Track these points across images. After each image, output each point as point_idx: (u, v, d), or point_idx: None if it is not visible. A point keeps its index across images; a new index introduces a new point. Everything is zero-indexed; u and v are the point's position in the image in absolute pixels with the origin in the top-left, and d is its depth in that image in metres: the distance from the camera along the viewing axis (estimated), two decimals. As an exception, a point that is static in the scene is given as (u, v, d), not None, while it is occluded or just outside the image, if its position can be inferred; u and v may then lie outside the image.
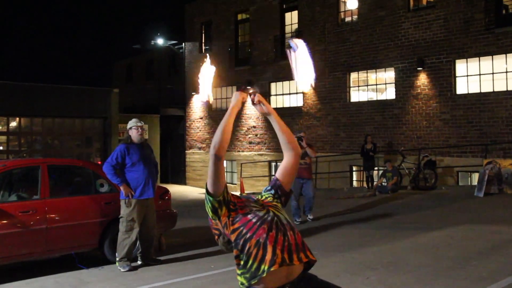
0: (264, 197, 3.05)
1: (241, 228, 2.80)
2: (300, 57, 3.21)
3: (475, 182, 14.05)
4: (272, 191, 3.06)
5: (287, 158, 3.10)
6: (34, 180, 6.94)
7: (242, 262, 2.78)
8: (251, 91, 3.09)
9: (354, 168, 18.49)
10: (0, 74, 19.24)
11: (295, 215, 10.02)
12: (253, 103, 3.08)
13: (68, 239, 6.90)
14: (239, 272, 2.82)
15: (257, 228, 2.77)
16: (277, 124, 3.08)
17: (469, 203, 11.49)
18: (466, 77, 15.56)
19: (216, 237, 3.02)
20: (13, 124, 20.80)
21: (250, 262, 2.74)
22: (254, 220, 2.80)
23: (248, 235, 2.77)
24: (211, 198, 2.84)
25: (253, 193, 3.04)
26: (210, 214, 2.89)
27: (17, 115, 20.46)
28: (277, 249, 2.72)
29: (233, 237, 2.83)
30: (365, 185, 16.13)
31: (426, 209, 10.99)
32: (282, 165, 3.14)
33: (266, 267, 2.69)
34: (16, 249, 6.49)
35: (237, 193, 3.08)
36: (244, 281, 2.77)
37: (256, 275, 2.72)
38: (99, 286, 5.98)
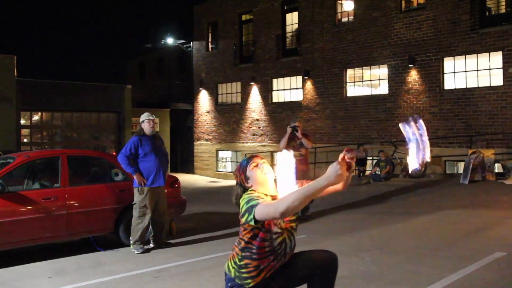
0: None
1: (254, 248, 2.98)
2: None
3: (461, 170, 14.06)
4: None
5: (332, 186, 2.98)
6: (55, 169, 6.97)
7: (238, 262, 3.02)
8: (348, 156, 2.59)
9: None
10: (22, 72, 19.34)
11: None
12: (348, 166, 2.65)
13: (86, 224, 6.95)
14: (232, 263, 3.06)
15: (265, 257, 2.98)
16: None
17: (456, 189, 11.51)
18: (453, 73, 15.52)
19: (237, 178, 3.14)
20: (36, 118, 20.86)
21: (244, 271, 2.99)
22: (267, 249, 2.98)
23: (254, 257, 2.98)
24: (252, 222, 2.83)
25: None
26: (241, 213, 2.93)
27: (39, 110, 20.51)
28: (267, 274, 3.00)
29: (243, 244, 3.01)
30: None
31: (416, 196, 11.02)
32: None
33: (251, 284, 2.98)
34: (40, 233, 6.55)
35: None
36: (232, 271, 3.05)
37: (242, 282, 3.00)
38: (115, 266, 6.03)
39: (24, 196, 6.48)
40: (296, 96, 20.59)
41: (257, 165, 3.04)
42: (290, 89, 20.93)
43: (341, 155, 2.60)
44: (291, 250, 3.06)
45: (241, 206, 2.95)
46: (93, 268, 5.97)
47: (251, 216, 2.81)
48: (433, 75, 15.82)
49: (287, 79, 21.00)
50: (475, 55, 14.86)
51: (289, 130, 8.50)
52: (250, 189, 3.05)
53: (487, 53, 14.63)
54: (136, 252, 6.71)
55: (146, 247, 6.87)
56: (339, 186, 3.04)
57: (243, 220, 2.91)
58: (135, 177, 6.75)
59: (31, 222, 6.42)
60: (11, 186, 6.61)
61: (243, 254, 3.00)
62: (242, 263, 3.00)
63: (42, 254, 6.76)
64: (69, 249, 7.05)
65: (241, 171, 3.09)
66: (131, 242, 6.82)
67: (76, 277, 5.57)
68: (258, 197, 2.90)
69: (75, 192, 6.91)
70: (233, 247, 3.11)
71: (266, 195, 3.01)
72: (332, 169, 2.50)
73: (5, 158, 7.25)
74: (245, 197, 2.95)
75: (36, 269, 6.01)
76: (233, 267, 3.04)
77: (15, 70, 18.79)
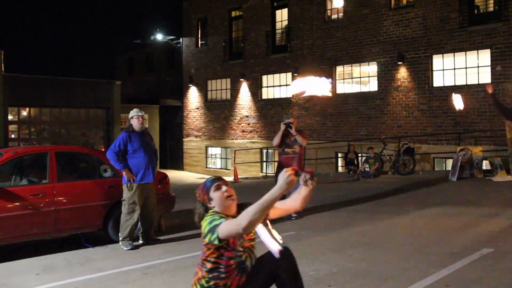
0: None
1: (222, 267, 3.04)
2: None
3: (449, 167, 14.17)
4: None
5: (291, 205, 3.22)
6: (43, 165, 6.92)
7: (206, 284, 3.05)
8: (308, 177, 2.94)
9: (339, 155, 18.58)
10: (10, 67, 19.28)
11: None
12: (305, 183, 2.99)
13: (75, 220, 6.91)
14: (198, 286, 3.09)
15: (231, 273, 3.05)
16: (306, 196, 3.13)
17: (444, 186, 11.59)
18: (442, 71, 15.63)
19: (199, 197, 3.20)
20: (24, 113, 20.70)
21: None
22: (233, 267, 3.06)
23: (222, 276, 3.04)
24: (216, 241, 2.93)
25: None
26: (203, 233, 3.01)
27: (27, 106, 20.37)
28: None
29: (210, 265, 3.05)
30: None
31: (405, 192, 11.08)
32: (282, 205, 3.23)
33: None
34: (28, 229, 6.51)
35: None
36: None
37: None
38: (104, 263, 6.01)
39: (11, 192, 6.43)
40: (285, 92, 20.61)
41: (220, 188, 3.12)
42: (280, 85, 20.95)
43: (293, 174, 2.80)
44: (252, 266, 3.16)
45: (203, 227, 3.01)
46: (81, 265, 5.95)
47: (215, 235, 2.90)
48: (422, 72, 15.92)
49: (276, 75, 21.01)
50: (464, 52, 14.98)
51: (282, 127, 8.25)
52: (211, 210, 3.12)
53: (476, 51, 14.76)
54: (125, 248, 6.68)
55: (135, 243, 6.85)
56: (297, 206, 3.17)
57: (206, 240, 2.98)
58: (124, 173, 6.71)
59: (19, 218, 6.37)
60: (-2, 183, 6.56)
61: (210, 275, 3.04)
62: (210, 284, 3.05)
63: (30, 250, 6.71)
64: (58, 246, 7.00)
65: (205, 191, 3.16)
66: (120, 238, 6.79)
67: (64, 274, 5.54)
68: (221, 217, 3.00)
69: (64, 189, 6.87)
70: (196, 271, 3.14)
71: (227, 215, 3.08)
72: (282, 178, 2.74)
73: (-8, 154, 7.17)
74: (207, 218, 3.03)
75: (24, 266, 5.97)
76: None
77: (3, 65, 18.61)
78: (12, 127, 20.25)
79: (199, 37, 25.14)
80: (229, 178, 19.18)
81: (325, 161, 18.53)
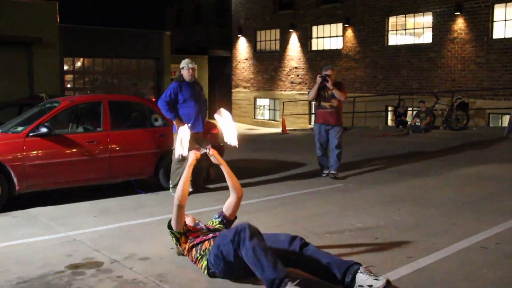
0: (213, 223, 4.00)
1: (199, 245, 3.66)
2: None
3: (505, 123, 13.63)
4: (220, 219, 4.05)
5: (231, 197, 3.99)
6: (97, 114, 7.13)
7: (208, 261, 3.52)
8: (202, 152, 4.01)
9: (389, 108, 18.19)
10: (64, 18, 19.63)
11: (322, 167, 8.10)
12: (208, 154, 3.93)
13: (127, 167, 7.15)
14: (206, 270, 3.55)
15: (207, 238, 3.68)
16: (226, 172, 3.98)
17: (499, 143, 11.21)
18: (504, 21, 14.77)
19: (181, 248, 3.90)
20: (78, 64, 21.23)
21: (217, 254, 3.50)
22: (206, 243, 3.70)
23: (195, 241, 3.68)
24: (174, 232, 3.73)
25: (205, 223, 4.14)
26: (174, 241, 3.80)
27: (81, 56, 20.85)
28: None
29: (199, 254, 3.60)
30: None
31: (457, 148, 10.80)
32: (227, 202, 4.04)
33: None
34: (84, 174, 6.80)
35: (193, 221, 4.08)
36: (208, 271, 3.53)
37: (218, 256, 3.57)
38: (155, 208, 6.23)
39: (69, 139, 6.70)
40: (335, 44, 20.15)
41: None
42: (330, 37, 20.47)
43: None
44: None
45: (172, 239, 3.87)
46: (134, 210, 6.19)
47: (169, 228, 3.79)
48: (481, 24, 15.11)
49: (327, 26, 20.50)
50: (530, 1, 14.07)
51: (318, 79, 7.77)
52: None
53: (543, 0, 13.82)
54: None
55: (185, 191, 7.03)
56: (235, 195, 4.05)
57: (174, 240, 3.82)
58: (174, 122, 6.82)
59: (77, 164, 6.66)
60: (57, 130, 6.83)
61: (210, 259, 3.45)
62: (213, 261, 3.43)
63: (87, 194, 7.04)
64: (112, 191, 7.30)
65: None
66: (170, 185, 6.99)
67: (119, 217, 5.80)
68: None
69: (117, 136, 7.08)
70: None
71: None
72: (189, 155, 3.89)
73: (50, 102, 7.45)
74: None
75: (83, 208, 6.28)
76: (206, 267, 3.52)
77: (58, 16, 18.99)
78: (67, 77, 20.87)
79: (249, -14, 24.67)
80: (278, 130, 19.22)
81: (375, 114, 18.21)
